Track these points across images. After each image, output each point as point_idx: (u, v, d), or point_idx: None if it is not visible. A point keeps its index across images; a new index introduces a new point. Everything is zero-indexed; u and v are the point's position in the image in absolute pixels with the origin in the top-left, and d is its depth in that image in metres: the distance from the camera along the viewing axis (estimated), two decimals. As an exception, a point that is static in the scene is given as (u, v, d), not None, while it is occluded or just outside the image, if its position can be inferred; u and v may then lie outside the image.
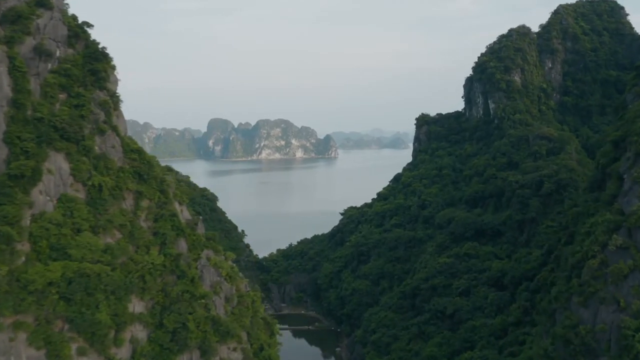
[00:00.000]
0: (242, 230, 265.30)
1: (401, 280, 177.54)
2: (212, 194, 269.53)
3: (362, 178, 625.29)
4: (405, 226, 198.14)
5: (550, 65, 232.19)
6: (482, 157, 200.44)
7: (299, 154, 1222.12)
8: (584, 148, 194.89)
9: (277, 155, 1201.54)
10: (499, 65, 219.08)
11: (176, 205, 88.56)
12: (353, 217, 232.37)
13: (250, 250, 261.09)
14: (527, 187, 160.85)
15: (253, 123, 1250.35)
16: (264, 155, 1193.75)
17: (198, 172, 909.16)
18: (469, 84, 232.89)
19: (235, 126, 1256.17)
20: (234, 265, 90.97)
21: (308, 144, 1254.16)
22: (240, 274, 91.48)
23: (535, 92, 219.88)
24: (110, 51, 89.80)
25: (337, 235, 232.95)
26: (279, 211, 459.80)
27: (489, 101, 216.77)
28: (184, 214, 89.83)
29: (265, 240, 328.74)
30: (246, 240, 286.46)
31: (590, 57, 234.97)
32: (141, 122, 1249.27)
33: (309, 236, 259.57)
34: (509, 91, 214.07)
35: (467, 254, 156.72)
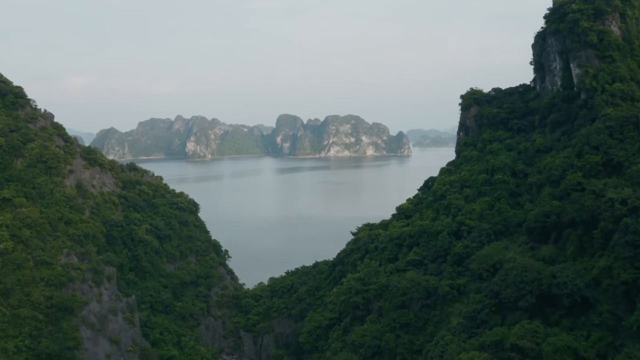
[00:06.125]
0: (226, 251, 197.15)
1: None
2: (192, 201, 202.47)
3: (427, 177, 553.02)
4: (427, 266, 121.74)
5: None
6: (560, 153, 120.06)
7: (370, 151, 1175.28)
8: None
9: (347, 153, 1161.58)
10: (586, 9, 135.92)
11: None
12: (361, 243, 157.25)
13: (233, 278, 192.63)
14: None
15: (322, 119, 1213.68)
16: (332, 152, 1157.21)
17: (265, 169, 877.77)
18: (540, 41, 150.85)
19: (305, 122, 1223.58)
20: None
21: (379, 141, 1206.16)
22: None
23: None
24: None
25: (337, 268, 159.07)
26: (323, 215, 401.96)
27: (572, 65, 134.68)
28: None
29: (278, 255, 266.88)
30: (242, 258, 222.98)
31: None
32: (209, 119, 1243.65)
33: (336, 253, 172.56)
34: (602, 48, 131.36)
35: (518, 346, 78.52)
